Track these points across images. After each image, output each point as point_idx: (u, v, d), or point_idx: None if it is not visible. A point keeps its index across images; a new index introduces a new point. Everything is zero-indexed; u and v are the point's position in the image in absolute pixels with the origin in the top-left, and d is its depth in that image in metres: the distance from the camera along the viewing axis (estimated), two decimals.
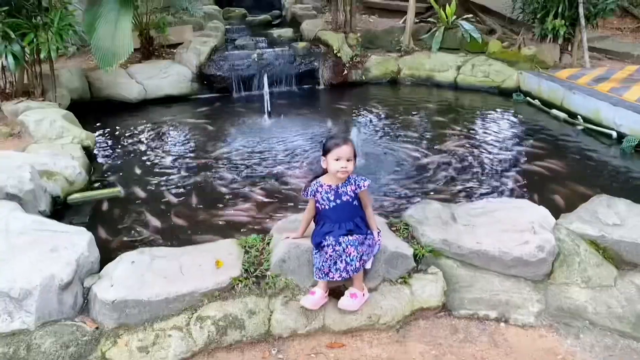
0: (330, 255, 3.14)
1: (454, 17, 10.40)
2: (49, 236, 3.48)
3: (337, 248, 3.13)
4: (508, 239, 3.53)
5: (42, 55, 6.80)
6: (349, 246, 3.14)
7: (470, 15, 11.11)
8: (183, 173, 5.86)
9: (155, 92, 8.99)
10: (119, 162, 6.29)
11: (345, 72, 9.88)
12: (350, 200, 3.25)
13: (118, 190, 5.23)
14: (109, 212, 4.95)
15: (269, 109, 7.69)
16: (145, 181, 5.65)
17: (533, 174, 5.76)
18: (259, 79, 9.34)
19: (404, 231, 3.74)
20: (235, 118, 7.97)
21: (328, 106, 8.91)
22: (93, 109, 8.52)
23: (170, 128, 7.66)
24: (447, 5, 10.48)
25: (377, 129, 7.37)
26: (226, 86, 9.32)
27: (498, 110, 8.15)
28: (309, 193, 3.32)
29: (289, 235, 3.48)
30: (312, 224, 3.43)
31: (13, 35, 6.53)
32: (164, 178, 5.72)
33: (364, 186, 3.27)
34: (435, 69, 9.72)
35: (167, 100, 9.03)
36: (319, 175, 3.37)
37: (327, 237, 3.17)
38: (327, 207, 3.26)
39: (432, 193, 5.23)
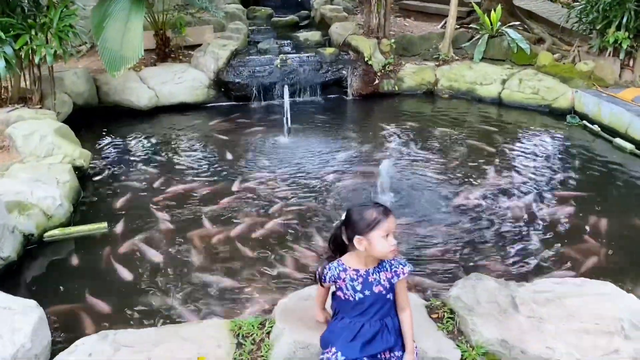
0: None
1: (499, 24, 9.38)
2: None
3: None
4: (590, 345, 2.62)
5: (36, 60, 6.06)
6: None
7: (517, 22, 10.05)
8: (184, 211, 5.00)
9: (168, 98, 8.23)
10: (115, 187, 5.52)
11: (376, 81, 8.96)
12: (384, 292, 2.38)
13: (104, 227, 4.45)
14: (85, 257, 4.16)
15: (289, 124, 6.84)
16: (140, 215, 4.84)
17: (606, 233, 4.59)
18: (281, 87, 8.51)
19: (448, 322, 2.86)
20: (252, 133, 7.14)
21: (355, 122, 8.00)
22: (100, 116, 7.82)
23: (180, 143, 6.88)
24: (492, 11, 9.46)
25: (407, 152, 6.43)
26: (245, 94, 8.51)
27: (549, 134, 7.13)
28: (328, 278, 2.45)
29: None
30: None
31: (4, 37, 5.81)
32: (163, 213, 4.91)
33: (402, 273, 2.40)
34: (477, 82, 8.73)
35: (181, 108, 8.27)
36: (336, 249, 2.50)
37: (347, 347, 2.32)
38: (351, 298, 2.39)
39: (476, 255, 4.22)
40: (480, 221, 4.76)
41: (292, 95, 8.63)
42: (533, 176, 5.74)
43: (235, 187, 5.43)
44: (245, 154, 6.41)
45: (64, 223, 4.44)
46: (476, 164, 6.07)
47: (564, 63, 8.64)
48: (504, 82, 8.53)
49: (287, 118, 6.75)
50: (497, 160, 6.18)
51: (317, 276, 2.50)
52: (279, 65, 8.61)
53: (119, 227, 4.58)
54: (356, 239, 2.35)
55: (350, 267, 2.42)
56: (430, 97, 9.03)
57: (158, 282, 3.86)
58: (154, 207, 5.00)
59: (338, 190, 5.35)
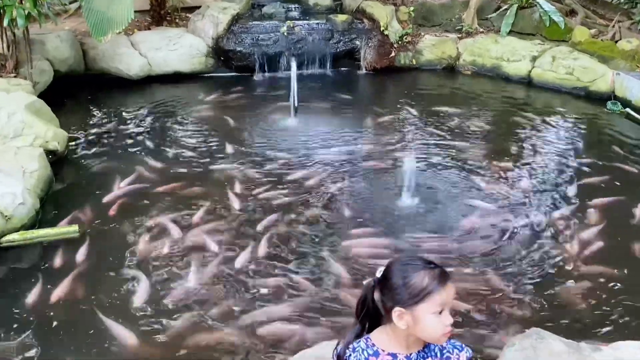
0: None
1: None
2: None
3: None
4: None
5: (5, 22, 5.26)
6: None
7: None
8: (180, 206, 4.30)
9: (162, 67, 7.43)
10: (96, 174, 4.81)
11: (392, 54, 8.13)
12: None
13: (74, 230, 3.75)
14: (47, 274, 3.45)
15: (296, 103, 6.05)
16: (128, 212, 4.12)
17: None
18: (287, 58, 7.68)
19: None
20: (255, 112, 6.37)
21: (369, 102, 7.12)
22: (86, 85, 7.06)
23: (174, 121, 6.10)
24: None
25: (425, 141, 5.65)
26: (247, 64, 7.71)
27: (587, 122, 6.33)
28: None
29: None
30: None
31: None
32: (150, 210, 4.19)
33: None
34: (504, 58, 7.89)
35: (176, 78, 7.49)
36: (365, 318, 1.80)
37: None
38: None
39: (527, 295, 3.35)
40: (516, 234, 4.01)
41: (299, 67, 7.77)
42: (576, 173, 4.99)
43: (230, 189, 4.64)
44: (246, 140, 5.62)
45: (27, 225, 3.74)
46: (504, 154, 5.31)
47: (602, 40, 7.77)
48: (534, 59, 7.68)
49: (293, 96, 5.95)
50: (531, 154, 5.41)
51: (336, 358, 1.80)
52: (285, 33, 7.75)
53: (95, 232, 3.86)
54: (396, 312, 1.64)
55: (383, 351, 1.71)
56: (451, 74, 8.22)
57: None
58: (145, 201, 4.28)
59: (351, 189, 4.61)
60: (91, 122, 6.02)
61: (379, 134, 5.86)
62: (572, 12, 9.17)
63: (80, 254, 3.57)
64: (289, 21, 7.96)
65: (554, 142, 5.72)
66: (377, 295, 1.72)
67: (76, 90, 6.88)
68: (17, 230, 3.62)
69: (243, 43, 7.67)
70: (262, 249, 3.69)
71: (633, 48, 7.15)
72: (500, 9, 8.67)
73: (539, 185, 4.77)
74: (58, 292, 3.23)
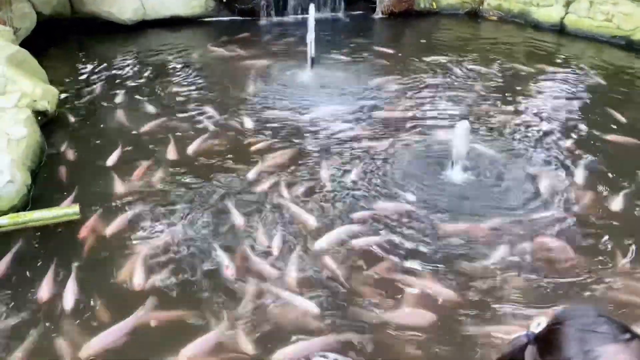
0: None
1: None
2: None
3: None
4: None
5: None
6: None
7: None
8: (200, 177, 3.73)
9: (158, 11, 6.69)
10: (93, 136, 4.19)
11: None
12: None
13: (74, 212, 3.17)
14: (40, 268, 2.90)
15: (313, 53, 5.37)
16: (125, 193, 3.52)
17: None
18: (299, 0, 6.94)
19: None
20: (265, 62, 5.68)
21: (386, 48, 6.26)
22: (73, 30, 6.32)
23: (175, 72, 5.44)
24: None
25: (444, 105, 4.91)
26: (252, 7, 6.96)
27: (631, 78, 5.70)
28: None
29: None
30: None
31: None
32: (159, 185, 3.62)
33: None
34: (534, 2, 7.18)
35: (173, 23, 6.75)
36: None
37: None
38: None
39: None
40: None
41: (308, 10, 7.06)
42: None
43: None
44: (258, 93, 5.00)
45: (17, 206, 3.15)
46: (537, 126, 4.59)
47: None
48: (567, 4, 6.98)
49: (311, 41, 5.23)
50: (573, 124, 4.77)
51: None
52: None
53: (102, 212, 3.28)
54: None
55: None
56: (474, 19, 7.53)
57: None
58: (160, 177, 3.68)
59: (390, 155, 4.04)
60: (81, 74, 5.34)
61: (404, 89, 5.16)
62: None
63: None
64: None
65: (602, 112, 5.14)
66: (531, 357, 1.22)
67: (62, 37, 6.15)
68: (5, 213, 3.04)
69: None
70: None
71: None
72: None
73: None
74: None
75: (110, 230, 3.10)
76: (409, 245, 3.07)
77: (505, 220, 3.29)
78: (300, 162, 3.89)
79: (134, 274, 2.77)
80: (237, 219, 3.24)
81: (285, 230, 3.18)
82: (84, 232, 3.06)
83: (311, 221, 3.24)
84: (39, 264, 2.85)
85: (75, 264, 2.83)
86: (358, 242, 3.08)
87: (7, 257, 2.86)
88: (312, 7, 5.23)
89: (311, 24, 5.20)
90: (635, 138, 4.35)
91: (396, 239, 3.11)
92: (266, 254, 2.99)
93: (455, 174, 3.70)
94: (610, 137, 4.38)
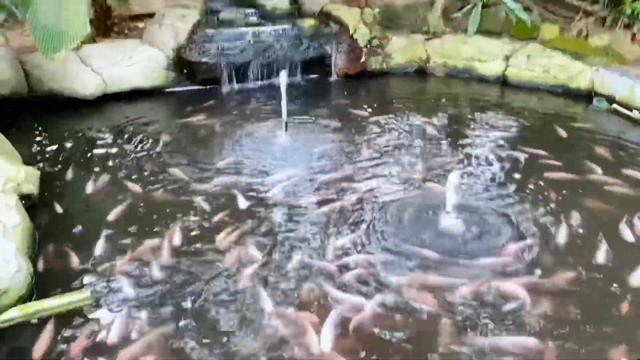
0: None
1: None
2: None
3: None
4: None
5: None
6: None
7: None
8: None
9: (119, 84, 6.68)
10: (78, 213, 4.07)
11: (363, 59, 7.79)
12: None
13: (86, 297, 3.05)
14: None
15: (286, 117, 5.53)
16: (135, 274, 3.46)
17: None
18: (257, 67, 7.17)
19: None
20: (235, 129, 5.78)
21: (348, 111, 6.53)
22: (32, 109, 6.18)
23: (149, 143, 5.42)
24: None
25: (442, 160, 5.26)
26: (214, 76, 7.09)
27: (577, 124, 6.13)
28: None
29: None
30: None
31: None
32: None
33: None
34: (476, 58, 7.77)
35: (135, 95, 6.75)
36: None
37: None
38: None
39: None
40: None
41: (268, 76, 7.31)
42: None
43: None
44: (237, 155, 5.08)
45: (25, 296, 2.99)
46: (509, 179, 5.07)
47: (572, 36, 7.81)
48: (506, 58, 7.61)
49: (284, 104, 5.36)
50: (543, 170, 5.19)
51: None
52: (252, 41, 7.21)
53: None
54: None
55: None
56: (423, 76, 8.03)
57: None
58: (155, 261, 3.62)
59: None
60: (49, 152, 5.20)
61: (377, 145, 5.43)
62: (526, 10, 9.23)
63: None
64: (254, 28, 7.41)
65: (562, 151, 5.57)
66: None
67: (21, 116, 6.00)
68: (14, 304, 2.88)
69: (207, 53, 7.04)
70: None
71: (605, 44, 7.22)
72: (464, 8, 8.54)
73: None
74: None
75: None
76: None
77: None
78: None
79: None
80: None
81: None
82: None
83: None
84: None
85: None
86: None
87: None
88: (283, 74, 5.44)
89: (283, 91, 5.39)
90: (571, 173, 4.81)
91: None
92: None
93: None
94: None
